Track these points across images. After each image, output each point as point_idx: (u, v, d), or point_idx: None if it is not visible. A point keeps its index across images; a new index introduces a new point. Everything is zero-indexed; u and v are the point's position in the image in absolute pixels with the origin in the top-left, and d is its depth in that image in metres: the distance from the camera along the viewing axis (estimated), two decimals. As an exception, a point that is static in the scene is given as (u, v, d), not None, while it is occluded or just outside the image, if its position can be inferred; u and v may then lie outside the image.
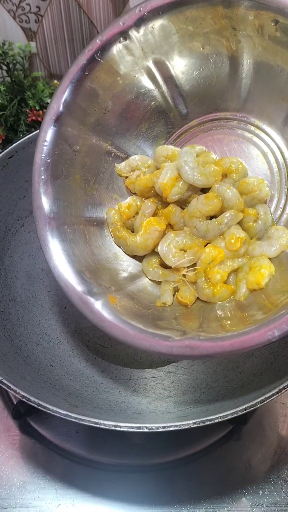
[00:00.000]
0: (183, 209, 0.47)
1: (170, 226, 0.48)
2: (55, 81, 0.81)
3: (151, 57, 0.46)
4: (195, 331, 0.41)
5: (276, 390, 0.40)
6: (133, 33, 0.44)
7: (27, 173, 0.58)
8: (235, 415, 0.39)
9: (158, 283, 0.48)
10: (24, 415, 0.53)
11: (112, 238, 0.50)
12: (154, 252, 0.48)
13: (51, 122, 0.46)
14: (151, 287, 0.49)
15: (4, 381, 0.41)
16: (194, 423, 0.38)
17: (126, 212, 0.49)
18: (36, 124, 0.76)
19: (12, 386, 0.41)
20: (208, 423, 0.38)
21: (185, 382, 0.51)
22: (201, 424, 0.38)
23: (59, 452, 0.52)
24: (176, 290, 0.47)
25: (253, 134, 0.47)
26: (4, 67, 0.76)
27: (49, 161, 0.46)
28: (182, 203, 0.48)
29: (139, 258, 0.50)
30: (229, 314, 0.43)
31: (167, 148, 0.49)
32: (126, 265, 0.50)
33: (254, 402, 0.39)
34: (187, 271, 0.46)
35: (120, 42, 0.44)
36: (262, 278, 0.42)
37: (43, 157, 0.46)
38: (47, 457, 0.51)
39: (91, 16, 0.72)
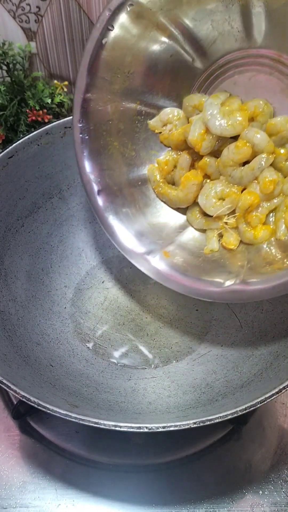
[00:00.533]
0: (218, 157, 0.49)
1: (207, 176, 0.51)
2: (55, 81, 0.81)
3: (160, 13, 0.46)
4: (243, 275, 0.45)
5: (276, 390, 0.40)
6: None
7: (27, 173, 0.58)
8: (235, 415, 0.39)
9: (204, 231, 0.52)
10: (24, 415, 0.53)
11: (155, 194, 0.53)
12: (196, 202, 0.51)
13: (80, 101, 0.49)
14: (198, 235, 0.52)
15: (4, 381, 0.41)
16: (194, 423, 0.38)
17: (165, 168, 0.53)
18: (36, 124, 0.76)
19: (12, 386, 0.41)
20: (208, 423, 0.38)
21: (185, 382, 0.51)
22: (201, 424, 0.38)
23: (59, 452, 0.52)
24: (220, 236, 0.51)
25: (275, 68, 0.46)
26: (4, 67, 0.76)
27: (87, 137, 0.50)
28: (216, 152, 0.50)
29: (182, 210, 0.54)
30: (273, 255, 0.46)
31: (193, 98, 0.51)
32: (173, 217, 0.54)
33: (254, 402, 0.39)
34: (228, 218, 0.49)
35: (128, 9, 0.45)
36: None
37: (81, 136, 0.50)
38: (47, 457, 0.51)
39: (91, 16, 0.72)
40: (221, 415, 0.39)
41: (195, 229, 0.52)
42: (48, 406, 0.39)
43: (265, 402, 0.40)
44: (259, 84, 0.47)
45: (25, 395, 0.40)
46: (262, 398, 0.40)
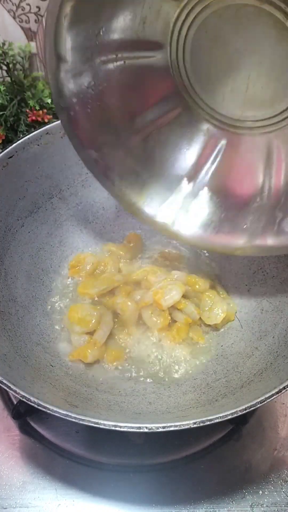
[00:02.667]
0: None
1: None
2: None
3: None
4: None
5: (276, 390, 0.40)
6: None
7: (27, 173, 0.58)
8: (235, 415, 0.39)
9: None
10: (24, 415, 0.53)
11: None
12: None
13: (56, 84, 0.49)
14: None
15: (4, 381, 0.41)
16: (194, 423, 0.38)
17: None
18: (36, 124, 0.76)
19: (12, 386, 0.41)
20: (208, 423, 0.38)
21: (185, 382, 0.51)
22: (201, 424, 0.38)
23: (59, 452, 0.52)
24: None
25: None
26: (4, 67, 0.76)
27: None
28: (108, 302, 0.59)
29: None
30: None
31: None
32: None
33: (254, 402, 0.39)
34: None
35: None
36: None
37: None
38: (47, 457, 0.51)
39: (91, 16, 0.72)
40: (221, 415, 0.39)
41: None
42: (48, 406, 0.39)
43: (265, 402, 0.40)
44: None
45: (25, 395, 0.40)
46: (262, 398, 0.40)
